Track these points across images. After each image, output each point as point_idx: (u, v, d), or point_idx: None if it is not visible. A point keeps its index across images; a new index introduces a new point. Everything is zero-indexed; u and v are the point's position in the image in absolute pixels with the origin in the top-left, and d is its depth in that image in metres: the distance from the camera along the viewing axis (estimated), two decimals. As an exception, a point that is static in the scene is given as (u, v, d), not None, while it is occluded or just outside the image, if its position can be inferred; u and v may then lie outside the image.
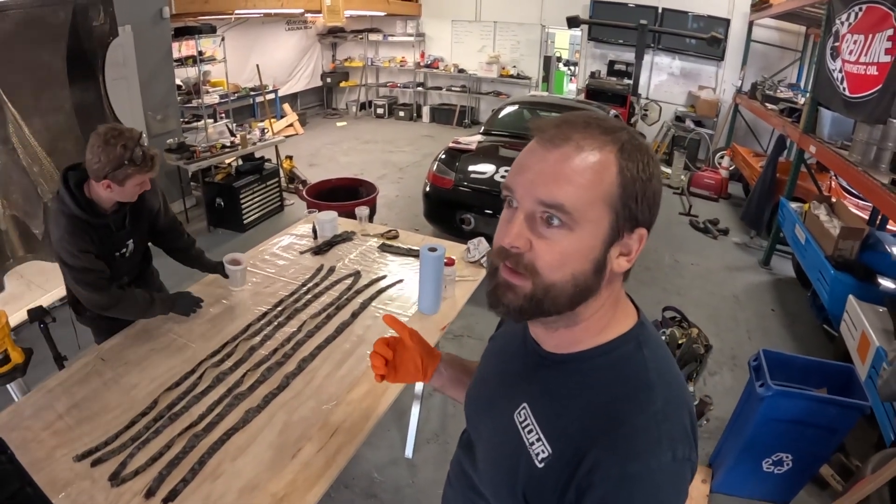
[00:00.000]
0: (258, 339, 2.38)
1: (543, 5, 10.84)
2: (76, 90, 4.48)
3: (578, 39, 11.35)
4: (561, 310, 0.83)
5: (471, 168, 5.39)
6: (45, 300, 4.21)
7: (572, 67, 12.02)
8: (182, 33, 7.28)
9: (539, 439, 0.87)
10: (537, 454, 0.87)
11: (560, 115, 0.86)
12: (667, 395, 0.83)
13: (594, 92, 8.66)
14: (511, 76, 11.41)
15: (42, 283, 4.38)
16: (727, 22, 9.37)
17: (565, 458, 0.82)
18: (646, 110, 8.79)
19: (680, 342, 3.59)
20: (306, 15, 10.49)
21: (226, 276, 2.74)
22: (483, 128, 6.51)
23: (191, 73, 8.16)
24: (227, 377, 2.15)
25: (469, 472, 1.13)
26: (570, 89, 12.63)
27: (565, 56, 13.22)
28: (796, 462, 2.88)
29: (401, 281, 2.86)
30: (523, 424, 0.91)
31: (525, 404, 0.93)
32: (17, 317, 3.56)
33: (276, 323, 2.49)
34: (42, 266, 4.30)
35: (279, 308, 2.61)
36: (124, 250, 2.43)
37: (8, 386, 2.70)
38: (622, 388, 0.84)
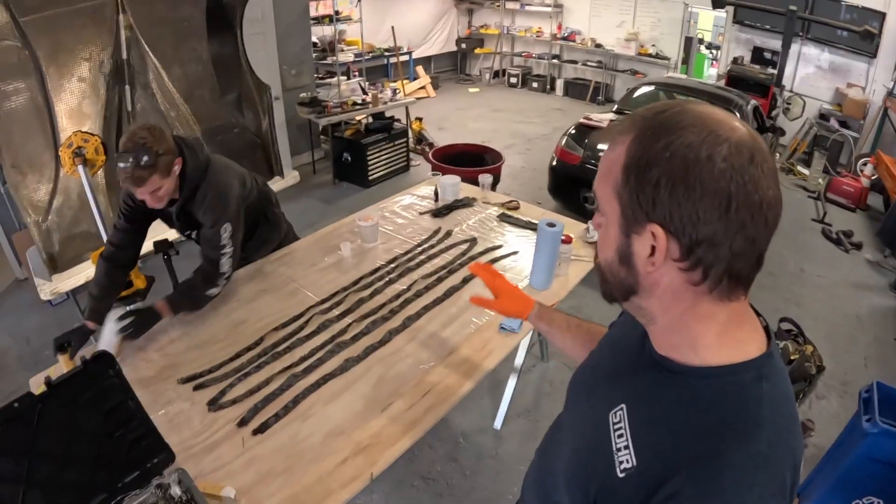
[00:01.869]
0: (368, 292, 2.38)
1: (689, -19, 10.14)
2: (214, 43, 4.68)
3: (723, 21, 10.56)
4: (614, 295, 0.85)
5: (600, 146, 5.15)
6: (172, 233, 4.44)
7: (714, 51, 11.28)
8: (319, -7, 7.45)
9: (627, 447, 0.81)
10: (621, 462, 0.80)
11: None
12: (774, 439, 0.72)
13: (735, 79, 8.05)
14: (649, 55, 10.79)
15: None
16: (883, 15, 8.08)
17: (647, 475, 0.76)
18: (788, 104, 8.07)
19: (792, 358, 3.28)
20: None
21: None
22: (616, 106, 6.27)
23: (327, 31, 8.39)
24: (333, 325, 2.16)
25: (553, 454, 1.08)
26: (711, 74, 11.83)
27: (708, 38, 12.47)
28: (887, 509, 2.58)
29: (516, 252, 2.75)
30: (616, 426, 0.85)
31: (623, 405, 0.86)
32: (144, 247, 3.77)
33: (387, 279, 2.48)
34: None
35: (392, 265, 2.60)
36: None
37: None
38: (728, 417, 0.74)
